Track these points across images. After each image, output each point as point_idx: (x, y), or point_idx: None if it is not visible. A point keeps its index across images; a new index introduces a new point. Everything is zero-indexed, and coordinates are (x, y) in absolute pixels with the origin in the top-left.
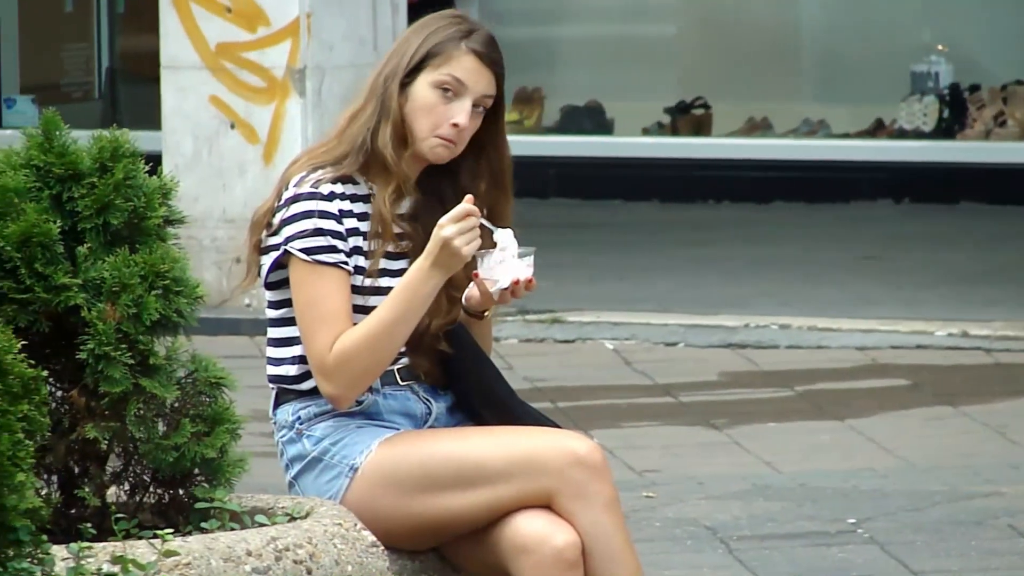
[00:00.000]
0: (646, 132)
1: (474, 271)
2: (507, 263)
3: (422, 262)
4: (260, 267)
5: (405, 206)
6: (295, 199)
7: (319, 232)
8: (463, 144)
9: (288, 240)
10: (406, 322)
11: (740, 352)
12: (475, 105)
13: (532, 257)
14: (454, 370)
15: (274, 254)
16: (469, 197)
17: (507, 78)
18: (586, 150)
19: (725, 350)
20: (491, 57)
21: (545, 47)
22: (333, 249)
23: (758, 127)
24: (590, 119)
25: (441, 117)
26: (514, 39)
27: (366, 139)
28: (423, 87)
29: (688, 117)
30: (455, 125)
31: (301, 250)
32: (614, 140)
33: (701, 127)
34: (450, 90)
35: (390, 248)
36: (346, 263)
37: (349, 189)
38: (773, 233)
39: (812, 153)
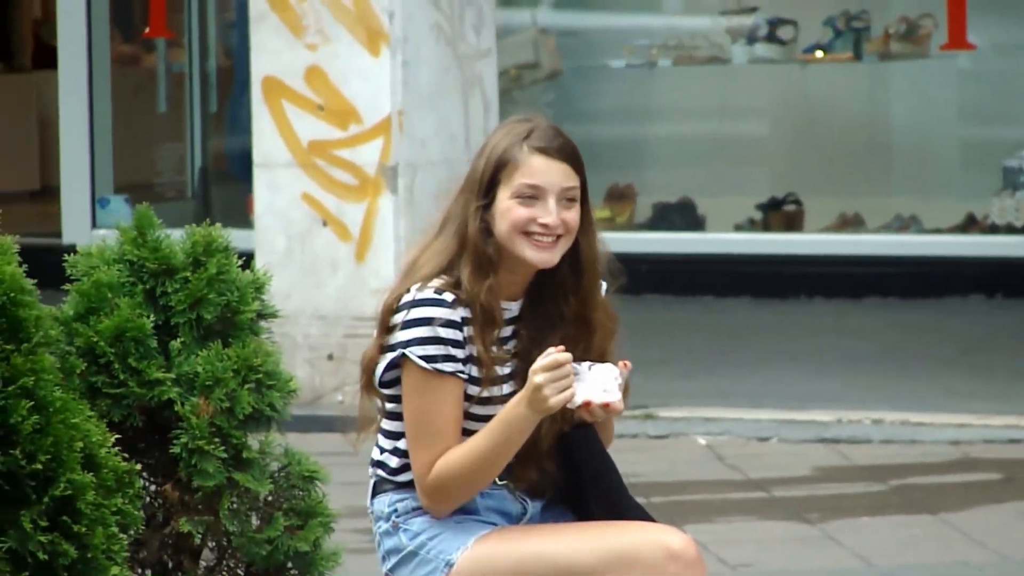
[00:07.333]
0: (738, 228)
1: None
2: (585, 383)
3: (519, 401)
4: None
5: (513, 309)
6: (416, 303)
7: (439, 340)
8: (568, 240)
9: (407, 344)
10: (504, 455)
11: (833, 447)
12: (562, 199)
13: (617, 381)
14: (575, 466)
15: (390, 355)
16: (560, 348)
17: (598, 175)
18: (678, 247)
19: (818, 445)
20: (558, 149)
21: (636, 145)
22: (452, 359)
23: (850, 223)
24: (682, 216)
25: (528, 219)
26: (605, 137)
27: (447, 268)
28: (504, 203)
29: (780, 213)
30: (544, 225)
31: (421, 357)
32: (706, 236)
33: (793, 223)
34: (530, 196)
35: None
36: (463, 372)
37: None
38: (865, 328)
39: (904, 249)
